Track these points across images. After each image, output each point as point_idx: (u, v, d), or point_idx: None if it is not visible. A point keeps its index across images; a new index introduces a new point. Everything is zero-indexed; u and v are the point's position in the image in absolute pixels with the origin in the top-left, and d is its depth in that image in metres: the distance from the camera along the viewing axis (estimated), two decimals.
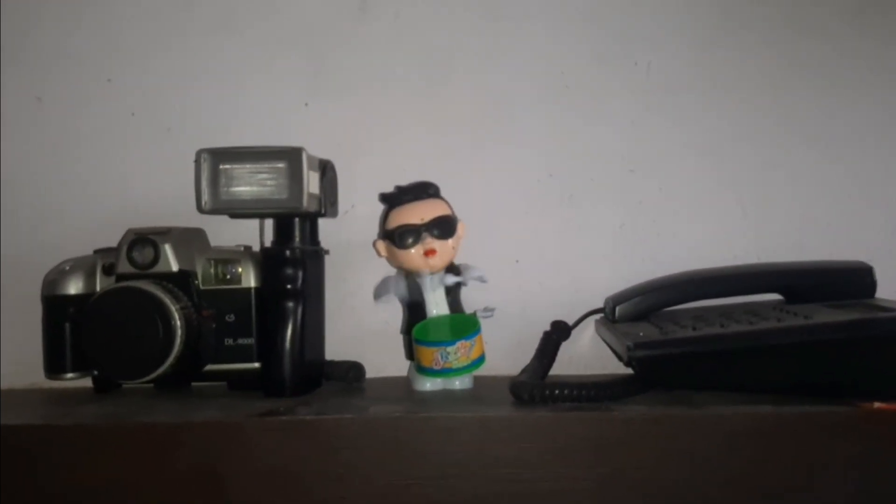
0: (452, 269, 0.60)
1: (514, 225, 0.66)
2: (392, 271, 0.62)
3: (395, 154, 0.66)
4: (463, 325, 0.58)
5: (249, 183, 0.56)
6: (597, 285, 0.65)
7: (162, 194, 0.65)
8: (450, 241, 0.59)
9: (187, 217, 0.58)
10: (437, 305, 0.59)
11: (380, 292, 0.60)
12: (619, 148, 0.67)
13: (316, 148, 0.58)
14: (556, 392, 0.52)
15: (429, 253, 0.58)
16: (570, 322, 0.64)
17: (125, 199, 0.66)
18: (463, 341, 0.57)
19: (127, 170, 0.67)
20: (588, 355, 0.66)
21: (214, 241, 0.61)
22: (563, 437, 0.49)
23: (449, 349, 0.56)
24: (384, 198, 0.60)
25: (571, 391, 0.52)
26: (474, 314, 0.59)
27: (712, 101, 0.67)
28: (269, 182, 0.55)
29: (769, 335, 0.50)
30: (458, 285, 0.60)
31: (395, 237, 0.58)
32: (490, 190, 0.65)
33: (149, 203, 0.65)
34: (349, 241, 0.65)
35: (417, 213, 0.59)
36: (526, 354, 0.61)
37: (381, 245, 0.60)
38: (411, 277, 0.60)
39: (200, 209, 0.56)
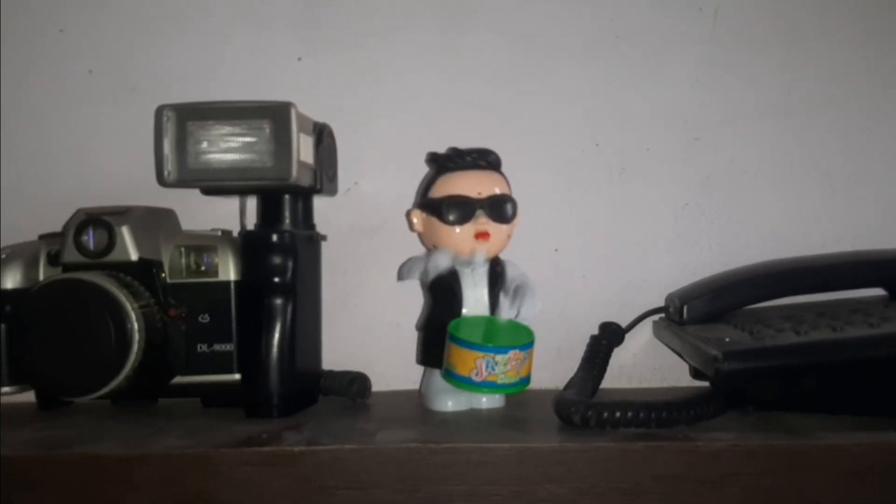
0: (496, 262, 0.51)
1: (552, 205, 0.58)
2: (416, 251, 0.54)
3: (407, 119, 0.58)
4: (513, 332, 0.49)
5: (225, 148, 0.48)
6: (654, 279, 0.58)
7: (126, 167, 0.58)
8: (506, 226, 0.50)
9: (156, 195, 0.52)
10: (476, 303, 0.50)
11: (409, 270, 0.51)
12: (681, 111, 0.59)
13: (311, 112, 0.51)
14: (618, 414, 0.43)
15: (481, 236, 0.50)
16: (623, 324, 0.56)
17: (81, 173, 0.59)
18: (517, 351, 0.47)
19: (83, 138, 0.59)
20: (643, 365, 0.58)
21: (187, 224, 0.54)
22: (631, 474, 0.41)
23: (499, 358, 0.47)
24: (434, 158, 0.52)
25: (637, 412, 0.43)
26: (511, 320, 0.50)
27: (793, 54, 0.59)
28: (249, 146, 0.47)
29: None
30: (499, 282, 0.51)
31: (443, 209, 0.50)
32: (524, 162, 0.56)
33: (110, 178, 0.58)
34: (351, 226, 0.58)
35: (474, 184, 0.50)
36: (568, 364, 0.54)
37: (419, 216, 0.51)
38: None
39: (163, 181, 0.48)
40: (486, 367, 0.47)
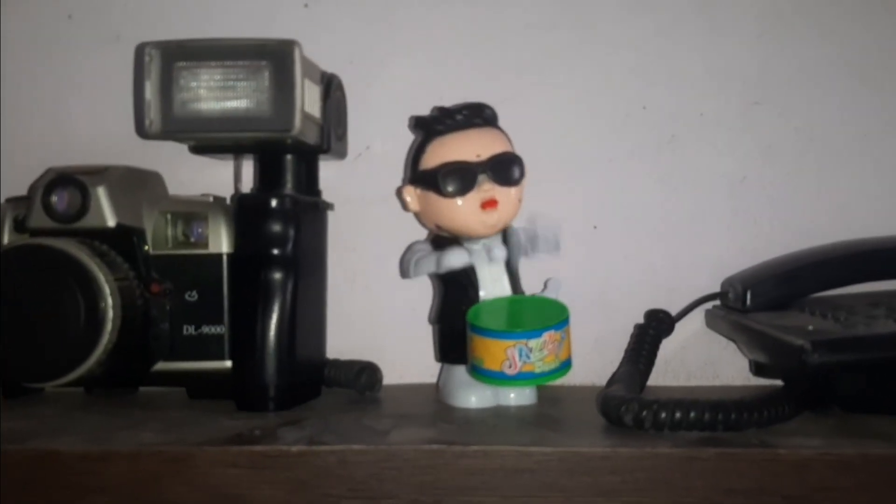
0: (506, 231, 0.47)
1: (591, 176, 0.54)
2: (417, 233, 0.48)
3: (426, 74, 0.54)
4: (542, 309, 0.43)
5: (217, 94, 0.43)
6: (707, 261, 0.53)
7: (108, 125, 0.53)
8: (514, 189, 0.45)
9: (141, 156, 0.49)
10: (494, 283, 0.45)
11: (415, 269, 0.46)
12: (741, 70, 0.54)
13: (319, 63, 0.46)
14: (678, 414, 0.37)
15: (487, 205, 0.44)
16: (672, 311, 0.51)
17: (58, 130, 0.54)
18: (552, 332, 0.42)
19: (61, 90, 0.55)
20: (693, 360, 0.53)
21: (175, 189, 0.50)
22: (699, 487, 0.35)
23: (532, 343, 0.41)
24: (420, 123, 0.46)
25: (702, 413, 0.37)
26: (536, 296, 0.46)
27: (871, 4, 0.54)
28: (245, 92, 0.42)
29: None
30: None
31: (439, 180, 0.44)
32: (559, 126, 0.53)
33: (89, 136, 0.54)
34: (363, 195, 0.53)
35: (471, 145, 0.45)
36: (607, 357, 0.50)
37: (412, 192, 0.46)
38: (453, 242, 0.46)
39: (143, 132, 0.43)
40: (520, 356, 0.41)
